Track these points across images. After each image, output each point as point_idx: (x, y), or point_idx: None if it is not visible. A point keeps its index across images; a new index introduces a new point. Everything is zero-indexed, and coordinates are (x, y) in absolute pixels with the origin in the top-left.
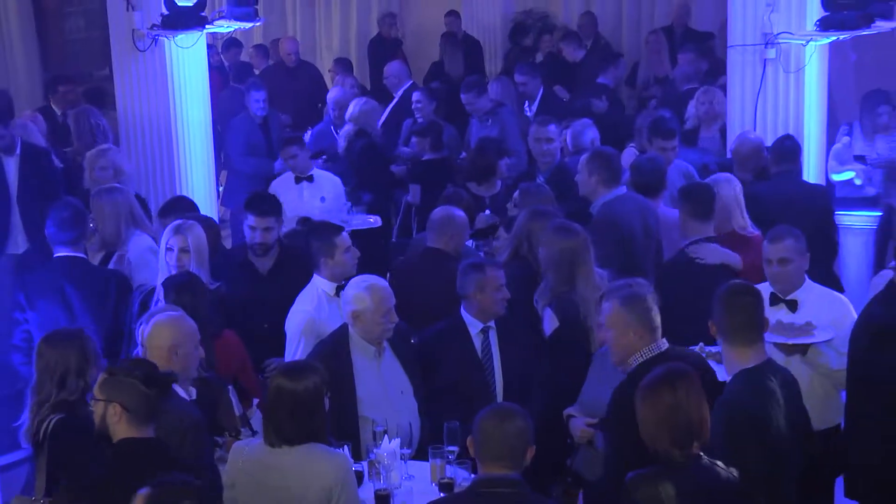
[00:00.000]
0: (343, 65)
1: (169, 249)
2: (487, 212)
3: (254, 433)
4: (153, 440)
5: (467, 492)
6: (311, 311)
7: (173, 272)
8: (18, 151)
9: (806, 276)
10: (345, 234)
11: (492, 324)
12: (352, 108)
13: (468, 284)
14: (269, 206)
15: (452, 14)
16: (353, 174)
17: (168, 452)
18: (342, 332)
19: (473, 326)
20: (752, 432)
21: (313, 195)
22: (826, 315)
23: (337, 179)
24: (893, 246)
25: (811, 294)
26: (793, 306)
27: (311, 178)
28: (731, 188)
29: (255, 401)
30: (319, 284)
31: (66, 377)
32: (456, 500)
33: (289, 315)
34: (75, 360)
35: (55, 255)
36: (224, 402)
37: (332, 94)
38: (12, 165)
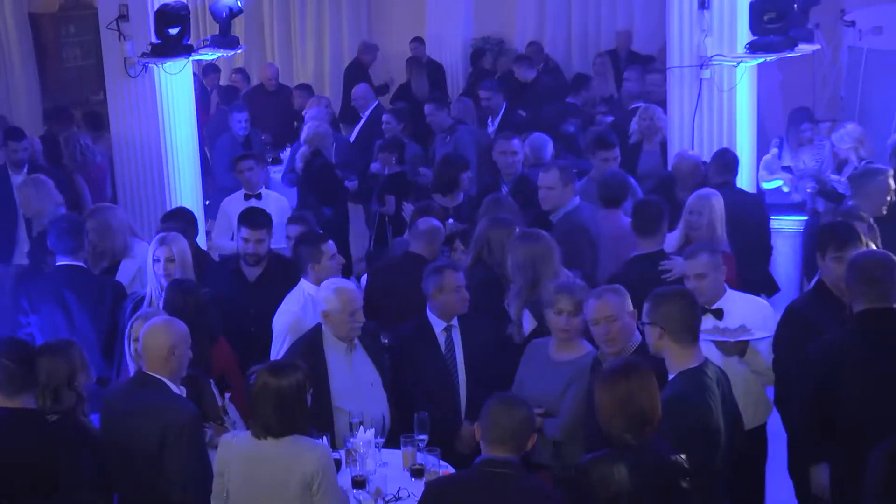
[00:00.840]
0: (307, 90)
1: (156, 260)
2: (451, 221)
3: (232, 422)
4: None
5: (473, 470)
6: (297, 312)
7: (162, 281)
8: (25, 169)
9: (726, 286)
10: (331, 242)
11: (455, 323)
12: (306, 131)
13: (430, 285)
14: (262, 220)
15: (417, 40)
16: (313, 191)
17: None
18: (316, 330)
19: (437, 325)
20: (697, 425)
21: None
22: (750, 318)
23: (284, 200)
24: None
25: (734, 302)
26: (719, 315)
27: (259, 196)
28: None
29: (227, 395)
30: (306, 287)
31: (59, 387)
32: (462, 478)
33: (276, 314)
34: (65, 371)
35: (56, 263)
36: (208, 395)
37: (317, 112)
38: (19, 182)
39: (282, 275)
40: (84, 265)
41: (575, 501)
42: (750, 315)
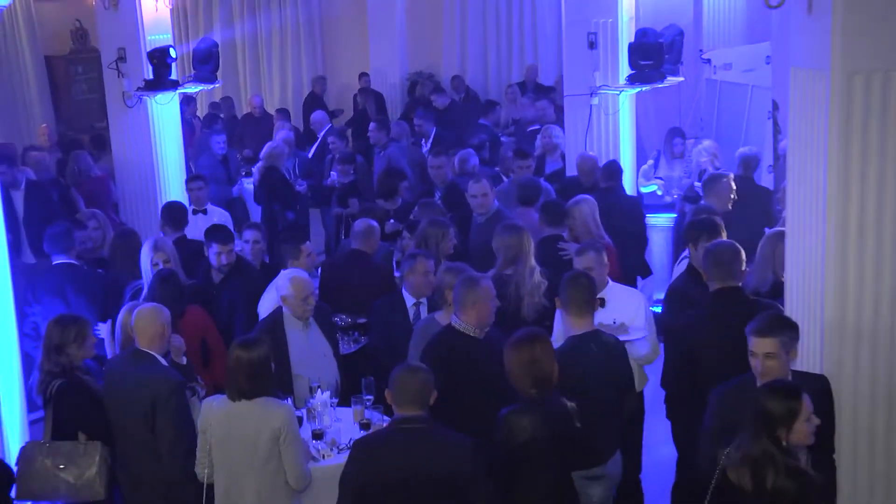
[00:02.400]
0: (283, 113)
1: (155, 264)
2: (392, 221)
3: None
4: None
5: (389, 428)
6: (277, 298)
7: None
8: (23, 187)
9: (609, 279)
10: (308, 242)
11: (424, 300)
12: (264, 150)
13: (405, 267)
14: (227, 236)
15: (364, 75)
16: (275, 200)
17: None
18: (277, 311)
19: (409, 300)
20: (562, 382)
21: (205, 225)
22: (627, 305)
23: (227, 213)
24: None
25: (614, 292)
26: (602, 303)
27: (205, 212)
28: (589, 206)
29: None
30: None
31: (50, 352)
32: (382, 435)
33: (262, 298)
34: (72, 338)
35: (54, 262)
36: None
37: (283, 135)
38: (19, 197)
39: (237, 271)
40: (77, 262)
41: (495, 448)
42: (625, 304)
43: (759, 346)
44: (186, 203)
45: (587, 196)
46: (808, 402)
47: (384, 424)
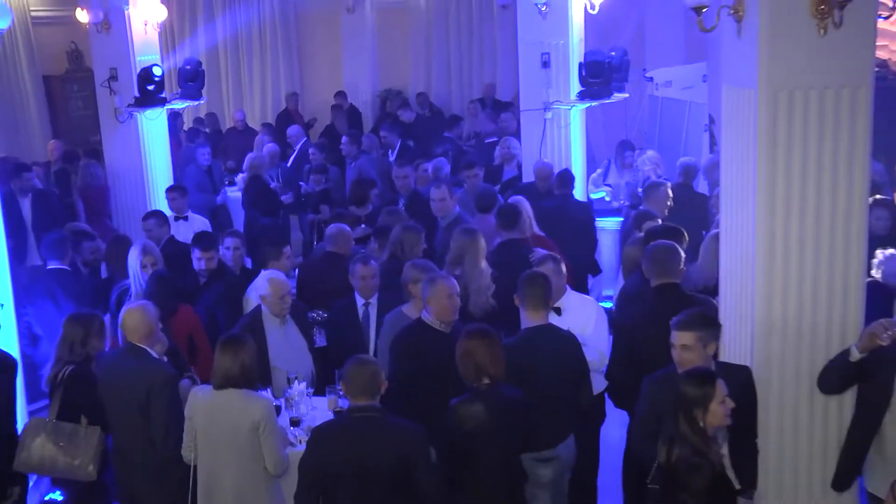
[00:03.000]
0: (267, 127)
1: (143, 266)
2: (363, 226)
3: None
4: None
5: (344, 416)
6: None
7: (143, 282)
8: (31, 195)
9: (567, 287)
10: (288, 246)
11: (373, 301)
12: (247, 161)
13: (353, 275)
14: (210, 243)
15: (340, 94)
16: (257, 206)
17: None
18: (257, 310)
19: (360, 301)
20: (516, 370)
21: (187, 230)
22: (582, 314)
23: (206, 221)
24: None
25: (571, 300)
26: (558, 311)
27: (186, 218)
28: (525, 206)
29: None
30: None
31: (74, 344)
32: (339, 422)
33: (247, 293)
34: (81, 334)
35: (48, 267)
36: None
37: (269, 148)
38: (27, 204)
39: (219, 275)
40: (69, 268)
41: (445, 435)
42: (580, 312)
43: (678, 338)
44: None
45: (520, 197)
46: (723, 387)
47: None
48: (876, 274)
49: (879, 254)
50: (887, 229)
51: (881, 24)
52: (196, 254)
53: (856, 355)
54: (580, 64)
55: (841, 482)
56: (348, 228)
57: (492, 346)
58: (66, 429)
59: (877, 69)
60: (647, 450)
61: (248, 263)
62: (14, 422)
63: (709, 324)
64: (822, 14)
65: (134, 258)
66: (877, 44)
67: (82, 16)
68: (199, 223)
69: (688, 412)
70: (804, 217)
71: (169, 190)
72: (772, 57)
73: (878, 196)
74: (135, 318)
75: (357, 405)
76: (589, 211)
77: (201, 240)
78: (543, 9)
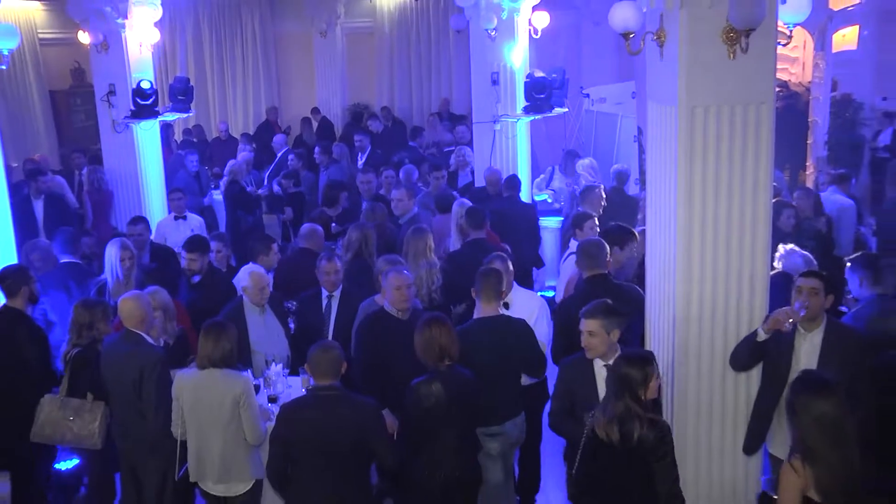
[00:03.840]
0: (246, 137)
1: (121, 260)
2: (334, 224)
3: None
4: None
5: (309, 395)
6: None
7: (120, 274)
8: (43, 197)
9: (514, 283)
10: (276, 243)
11: (336, 294)
12: (228, 167)
13: (319, 271)
14: (194, 246)
15: (315, 110)
16: (237, 207)
17: None
18: (239, 300)
19: (324, 294)
20: (471, 355)
21: (186, 229)
22: (527, 307)
23: (201, 219)
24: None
25: (517, 295)
26: (507, 305)
27: (185, 217)
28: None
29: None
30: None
31: (83, 328)
32: (303, 400)
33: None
34: (88, 319)
35: (60, 261)
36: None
37: (244, 156)
38: (39, 206)
39: (210, 276)
40: (80, 262)
41: (406, 411)
42: (527, 305)
43: (585, 325)
44: (167, 210)
45: (464, 200)
46: (656, 365)
47: None
48: (778, 265)
49: (781, 248)
50: (789, 227)
51: (781, 50)
52: (184, 254)
53: (762, 335)
54: (525, 82)
55: (749, 446)
56: (321, 228)
57: (451, 332)
58: (73, 404)
59: (778, 89)
60: (562, 423)
61: (233, 260)
62: (52, 387)
63: (612, 313)
64: (731, 41)
65: (113, 254)
66: (778, 67)
67: (84, 37)
68: (196, 222)
69: (633, 392)
70: (717, 217)
71: (171, 192)
72: (689, 77)
73: (779, 199)
74: (129, 306)
75: (320, 385)
76: (534, 211)
77: (189, 244)
78: (493, 34)
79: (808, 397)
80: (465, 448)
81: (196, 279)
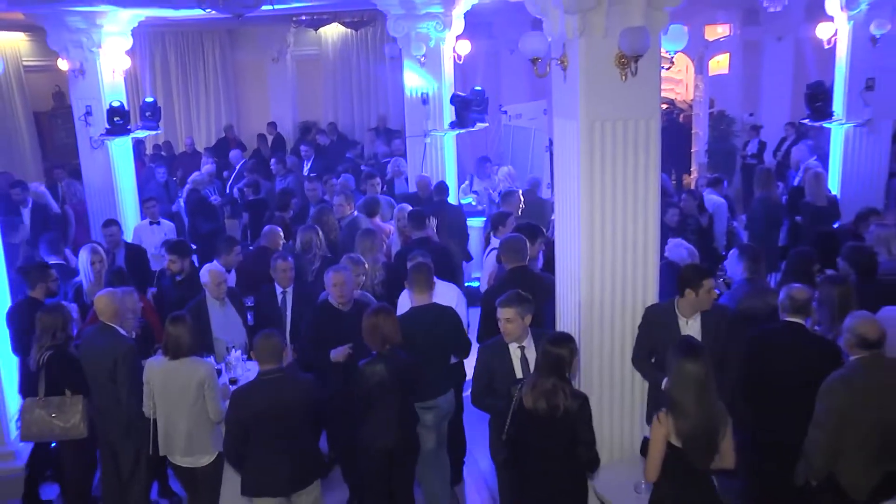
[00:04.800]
0: (209, 151)
1: (92, 263)
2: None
3: None
4: None
5: (256, 379)
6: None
7: (91, 277)
8: (30, 206)
9: (434, 277)
10: (239, 246)
11: (289, 289)
12: (191, 178)
13: (273, 269)
14: (175, 249)
15: (271, 124)
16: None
17: None
18: (202, 294)
19: (279, 290)
20: (408, 339)
21: (160, 232)
22: (446, 297)
23: (172, 225)
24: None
25: (438, 287)
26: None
27: (158, 223)
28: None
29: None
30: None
31: (56, 331)
32: (253, 384)
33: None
34: (61, 322)
35: (47, 261)
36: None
37: (208, 169)
38: (26, 214)
39: (191, 275)
40: (64, 262)
41: (353, 388)
42: (445, 296)
43: (502, 313)
44: (141, 216)
45: (403, 205)
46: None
47: None
48: (668, 256)
49: (670, 242)
50: (675, 223)
51: (667, 73)
52: (167, 255)
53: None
54: (451, 101)
55: (650, 416)
56: (279, 228)
57: (394, 320)
58: (54, 402)
59: (665, 106)
60: (484, 399)
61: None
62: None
63: (524, 300)
64: (622, 65)
65: (85, 258)
66: (665, 87)
67: (63, 64)
68: (168, 227)
69: (560, 369)
70: (614, 215)
71: (146, 200)
72: (588, 96)
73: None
74: (104, 301)
75: (265, 369)
76: (461, 213)
77: (169, 247)
78: (422, 59)
79: (679, 358)
80: (406, 420)
81: (178, 277)
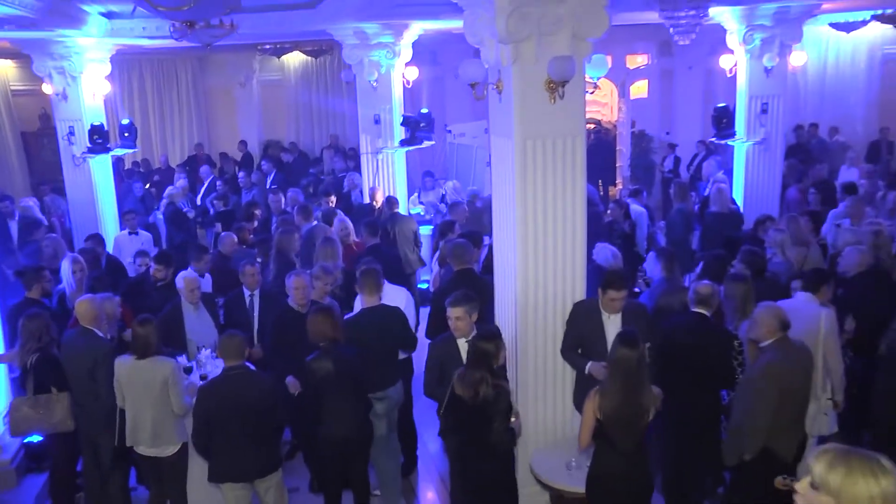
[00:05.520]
0: (182, 167)
1: (73, 272)
2: (252, 236)
3: None
4: None
5: (221, 375)
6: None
7: (73, 284)
8: (17, 218)
9: (384, 280)
10: (208, 253)
11: (256, 292)
12: (167, 192)
13: (242, 274)
14: (161, 259)
15: (242, 142)
16: (171, 225)
17: None
18: (178, 299)
19: (247, 293)
20: (358, 336)
21: (137, 242)
22: (395, 298)
23: (150, 235)
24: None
25: (387, 289)
26: (379, 298)
27: (137, 233)
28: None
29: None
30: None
31: (41, 335)
32: (218, 378)
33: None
34: (44, 326)
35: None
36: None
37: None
38: (14, 225)
39: (170, 282)
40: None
41: (304, 383)
42: (396, 297)
43: (452, 312)
44: (120, 227)
45: (345, 218)
46: (502, 338)
47: None
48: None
49: (597, 246)
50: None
51: (593, 96)
52: (152, 265)
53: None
54: (401, 122)
55: (577, 402)
56: (234, 236)
57: (332, 318)
58: (42, 400)
59: (593, 125)
60: (435, 390)
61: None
62: None
63: (471, 300)
64: (551, 90)
65: (66, 267)
66: (593, 109)
67: (48, 88)
68: (146, 237)
69: (488, 362)
70: (546, 222)
71: (125, 213)
72: (521, 117)
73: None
74: (84, 307)
75: (230, 365)
76: (412, 221)
77: (157, 257)
78: (375, 84)
79: (618, 346)
80: (358, 410)
81: (159, 283)
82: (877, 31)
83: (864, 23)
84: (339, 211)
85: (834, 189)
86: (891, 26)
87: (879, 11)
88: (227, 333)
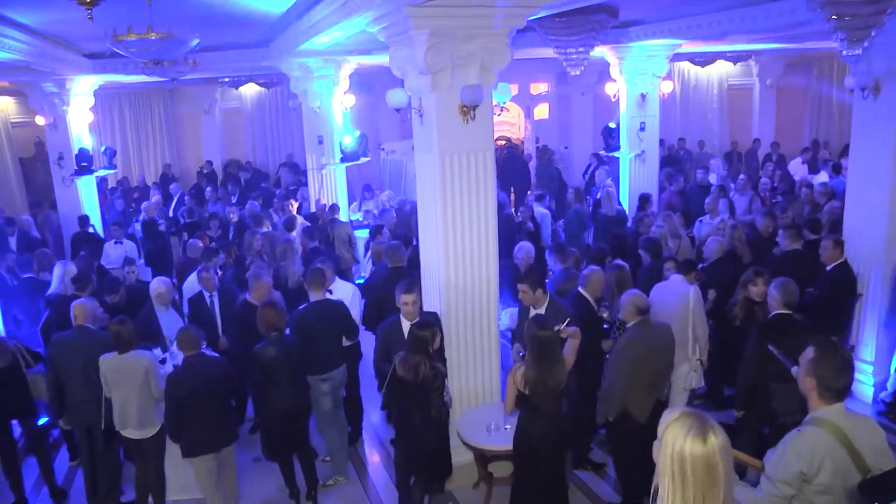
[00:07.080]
0: (156, 185)
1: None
2: (213, 243)
3: None
4: None
5: (183, 363)
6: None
7: (59, 288)
8: (16, 234)
9: (336, 277)
10: (217, 256)
11: (215, 293)
12: (145, 206)
13: (199, 278)
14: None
15: (209, 162)
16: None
17: None
18: (150, 302)
19: (207, 294)
20: (304, 326)
21: (121, 250)
22: (344, 292)
23: (133, 244)
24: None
25: (337, 285)
26: (331, 292)
27: (121, 242)
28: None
29: None
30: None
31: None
32: (180, 368)
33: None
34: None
35: (23, 276)
36: None
37: (157, 199)
38: (13, 239)
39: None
40: (36, 276)
41: (253, 370)
42: (344, 291)
43: (404, 298)
44: (106, 239)
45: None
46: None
47: None
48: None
49: (518, 244)
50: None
51: (503, 117)
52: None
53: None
54: (340, 142)
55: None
56: (200, 242)
57: (277, 312)
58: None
59: (505, 142)
60: (381, 367)
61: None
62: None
63: (418, 288)
64: (464, 113)
65: (58, 272)
66: (504, 128)
67: (41, 120)
68: (129, 246)
69: (424, 347)
70: (463, 224)
71: (112, 224)
72: (440, 136)
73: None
74: (81, 308)
75: (188, 354)
76: (349, 227)
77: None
78: (318, 110)
79: (533, 328)
80: (299, 388)
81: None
82: (722, 68)
83: (714, 59)
84: (298, 216)
85: (698, 190)
86: (731, 63)
87: (726, 50)
88: (182, 328)
